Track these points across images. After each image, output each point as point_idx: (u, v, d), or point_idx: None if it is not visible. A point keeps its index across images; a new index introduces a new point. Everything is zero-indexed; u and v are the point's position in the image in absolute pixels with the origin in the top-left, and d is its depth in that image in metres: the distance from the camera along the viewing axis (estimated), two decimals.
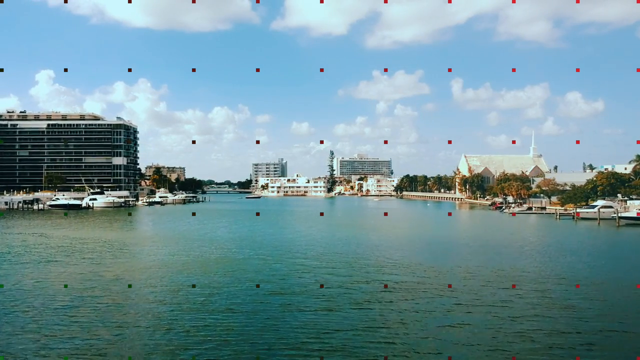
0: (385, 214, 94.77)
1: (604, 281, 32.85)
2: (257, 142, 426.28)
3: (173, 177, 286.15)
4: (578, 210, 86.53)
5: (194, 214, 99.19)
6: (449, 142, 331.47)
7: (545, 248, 49.69)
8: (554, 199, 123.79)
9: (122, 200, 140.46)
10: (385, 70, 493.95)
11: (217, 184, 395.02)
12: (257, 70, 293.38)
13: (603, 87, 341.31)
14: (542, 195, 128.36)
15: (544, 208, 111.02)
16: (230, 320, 23.85)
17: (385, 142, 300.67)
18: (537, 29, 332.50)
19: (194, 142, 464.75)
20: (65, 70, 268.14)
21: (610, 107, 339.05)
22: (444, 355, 19.16)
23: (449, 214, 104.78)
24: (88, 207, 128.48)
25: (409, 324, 23.25)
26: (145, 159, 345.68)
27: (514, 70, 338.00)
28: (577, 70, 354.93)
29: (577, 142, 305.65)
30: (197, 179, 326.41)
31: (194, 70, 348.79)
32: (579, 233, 66.54)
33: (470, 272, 35.89)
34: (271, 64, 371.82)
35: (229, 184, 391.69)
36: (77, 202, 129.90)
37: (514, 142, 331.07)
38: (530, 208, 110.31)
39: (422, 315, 24.56)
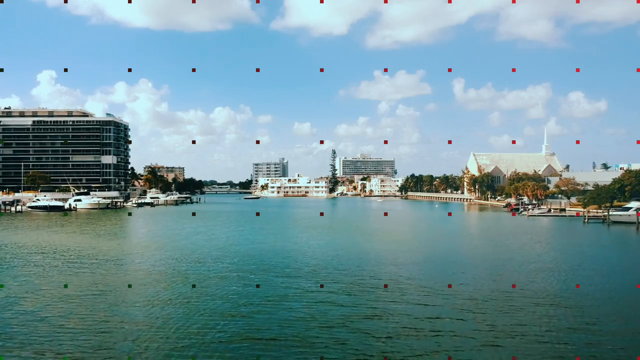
0: (385, 214, 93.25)
1: None
2: (257, 142, 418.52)
3: (170, 177, 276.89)
4: (611, 213, 76.11)
5: (194, 214, 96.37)
6: (449, 142, 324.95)
7: (600, 269, 39.95)
8: (573, 199, 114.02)
9: (109, 201, 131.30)
10: (385, 70, 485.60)
11: (219, 184, 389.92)
12: (257, 70, 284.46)
13: (606, 87, 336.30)
14: (560, 195, 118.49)
15: (564, 210, 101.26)
16: (229, 320, 23.56)
17: (385, 142, 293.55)
18: (538, 29, 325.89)
19: (194, 142, 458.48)
20: (65, 70, 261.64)
21: (613, 107, 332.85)
22: (444, 355, 19.02)
23: (449, 214, 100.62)
24: (71, 209, 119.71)
25: (409, 324, 22.87)
26: (147, 160, 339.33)
27: (514, 70, 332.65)
28: (577, 70, 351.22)
29: (577, 142, 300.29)
30: (199, 179, 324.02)
31: (194, 70, 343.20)
32: (623, 243, 56.66)
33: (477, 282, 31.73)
34: (272, 64, 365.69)
35: (230, 184, 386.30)
36: (59, 203, 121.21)
37: (513, 142, 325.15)
38: (549, 210, 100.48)
39: (421, 316, 24.22)
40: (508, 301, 26.78)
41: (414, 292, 28.74)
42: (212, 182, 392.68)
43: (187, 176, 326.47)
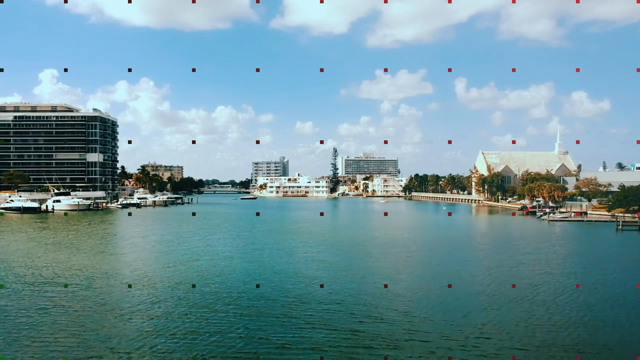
0: (385, 214, 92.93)
1: None
2: (257, 142, 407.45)
3: (167, 176, 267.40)
4: None
5: (194, 214, 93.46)
6: (449, 142, 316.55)
7: None
8: (594, 202, 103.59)
9: (90, 202, 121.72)
10: (385, 70, 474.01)
11: (220, 183, 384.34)
12: (257, 70, 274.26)
13: (609, 87, 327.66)
14: (579, 197, 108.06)
15: (585, 213, 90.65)
16: (230, 320, 23.36)
17: (385, 142, 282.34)
18: (539, 28, 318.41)
19: (194, 142, 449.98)
20: (65, 70, 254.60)
21: (616, 106, 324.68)
22: (444, 356, 18.79)
23: (449, 214, 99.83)
24: (47, 211, 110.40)
25: (409, 324, 22.69)
26: (149, 159, 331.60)
27: (514, 70, 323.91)
28: (577, 70, 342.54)
29: (577, 142, 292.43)
30: (201, 178, 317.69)
31: (194, 70, 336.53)
32: None
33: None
34: (272, 63, 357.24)
35: (232, 183, 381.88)
36: (34, 204, 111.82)
37: (513, 142, 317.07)
38: (571, 214, 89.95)
39: (422, 316, 24.00)
40: (508, 301, 26.84)
41: (413, 293, 28.71)
42: (215, 182, 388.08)
43: (188, 175, 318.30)
